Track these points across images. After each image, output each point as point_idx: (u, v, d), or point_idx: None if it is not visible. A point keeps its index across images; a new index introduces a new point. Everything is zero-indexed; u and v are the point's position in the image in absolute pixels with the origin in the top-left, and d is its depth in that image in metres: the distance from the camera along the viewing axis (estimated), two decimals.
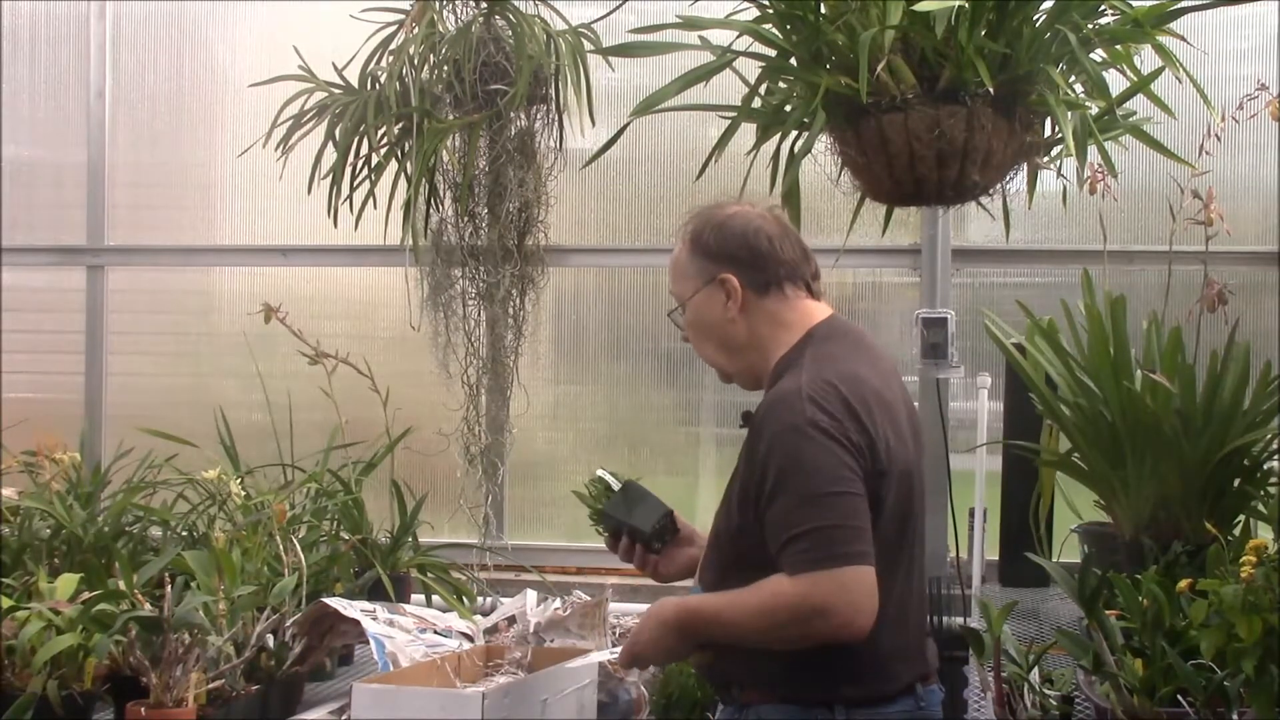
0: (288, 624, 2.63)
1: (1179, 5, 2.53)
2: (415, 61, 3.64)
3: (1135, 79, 2.61)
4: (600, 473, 2.43)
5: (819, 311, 2.23)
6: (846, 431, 2.03)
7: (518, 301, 3.81)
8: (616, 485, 2.39)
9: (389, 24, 3.75)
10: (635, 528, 2.33)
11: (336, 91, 3.72)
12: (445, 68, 3.64)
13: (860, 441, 2.04)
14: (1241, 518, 2.84)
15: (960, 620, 2.59)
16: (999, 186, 2.67)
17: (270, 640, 2.59)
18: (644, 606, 2.31)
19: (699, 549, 2.27)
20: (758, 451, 2.07)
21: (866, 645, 1.99)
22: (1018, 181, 2.71)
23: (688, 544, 2.36)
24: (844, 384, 2.09)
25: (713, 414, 4.11)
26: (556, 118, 3.76)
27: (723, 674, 2.17)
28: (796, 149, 2.60)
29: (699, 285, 2.24)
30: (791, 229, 2.29)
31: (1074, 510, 3.35)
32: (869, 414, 2.07)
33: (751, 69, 2.69)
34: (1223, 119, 3.14)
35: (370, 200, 3.69)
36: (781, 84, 2.70)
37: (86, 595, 2.57)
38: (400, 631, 2.69)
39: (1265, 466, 2.84)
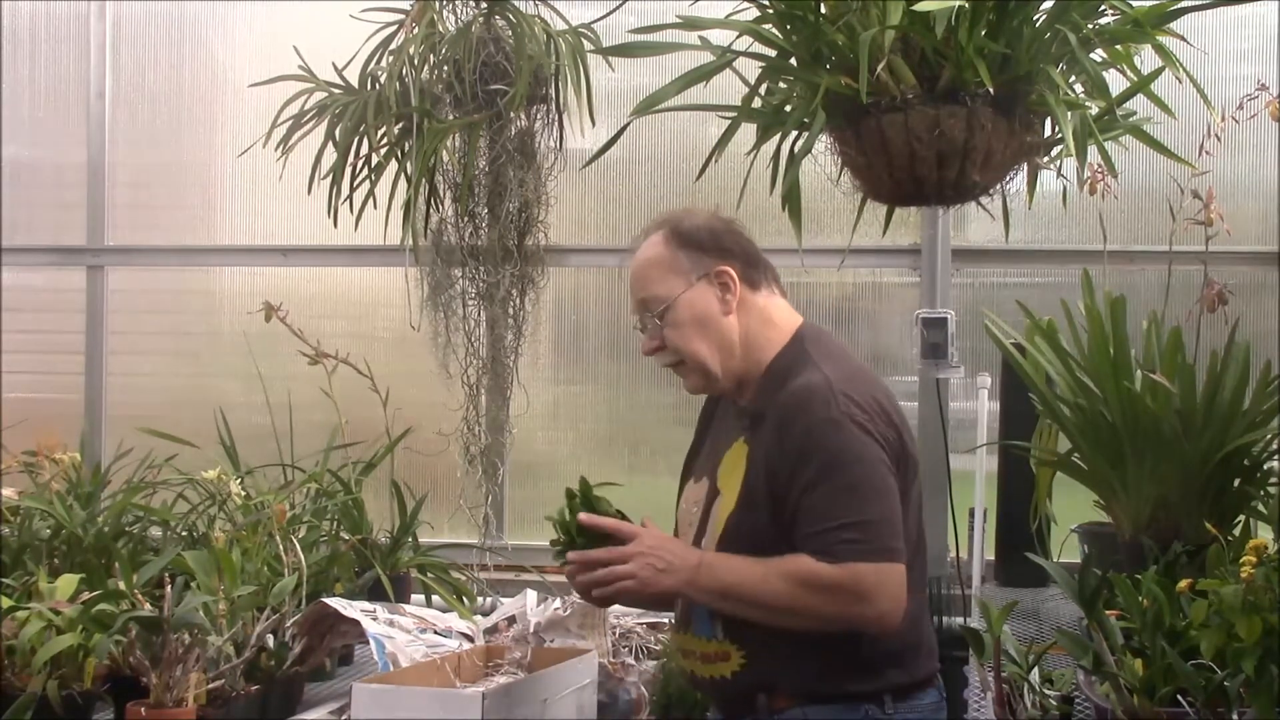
0: (288, 624, 2.64)
1: (1179, 5, 2.53)
2: (415, 61, 3.64)
3: (1135, 79, 2.61)
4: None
5: (795, 313, 2.25)
6: (879, 426, 2.06)
7: (518, 301, 3.81)
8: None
9: (389, 24, 3.75)
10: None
11: (336, 91, 3.72)
12: (445, 68, 3.64)
13: (889, 436, 2.08)
14: (1241, 518, 2.83)
15: (960, 620, 2.59)
16: (999, 186, 2.67)
17: (270, 640, 2.59)
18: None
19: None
20: (787, 444, 2.05)
21: (906, 636, 2.06)
22: (1018, 181, 2.71)
23: None
24: (864, 382, 2.12)
25: None
26: (556, 118, 3.76)
27: (746, 685, 2.11)
28: (796, 149, 2.60)
29: (691, 280, 2.18)
30: None
31: (1049, 516, 3.35)
32: (894, 409, 2.12)
33: (751, 69, 2.69)
34: (1223, 119, 3.14)
35: (370, 200, 3.69)
36: (781, 84, 2.70)
37: (86, 595, 2.57)
38: (400, 631, 2.69)
39: (1265, 466, 2.84)
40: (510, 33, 3.64)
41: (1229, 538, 2.43)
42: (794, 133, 2.64)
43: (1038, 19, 2.49)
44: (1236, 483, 2.84)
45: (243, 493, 3.07)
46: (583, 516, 2.10)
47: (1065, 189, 2.94)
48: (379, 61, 3.72)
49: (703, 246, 2.20)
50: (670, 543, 2.12)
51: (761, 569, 2.04)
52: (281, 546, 2.82)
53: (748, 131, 2.75)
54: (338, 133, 3.65)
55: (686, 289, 2.17)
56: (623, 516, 2.14)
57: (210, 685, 2.41)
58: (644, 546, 2.08)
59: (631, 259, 2.27)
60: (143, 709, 2.31)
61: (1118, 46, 2.57)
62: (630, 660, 2.75)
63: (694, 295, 2.18)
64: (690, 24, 2.67)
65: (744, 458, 2.14)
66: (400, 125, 3.64)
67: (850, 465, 2.03)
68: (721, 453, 2.23)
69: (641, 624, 2.89)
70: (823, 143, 2.63)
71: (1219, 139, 3.19)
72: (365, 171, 3.70)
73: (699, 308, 2.18)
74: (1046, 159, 2.68)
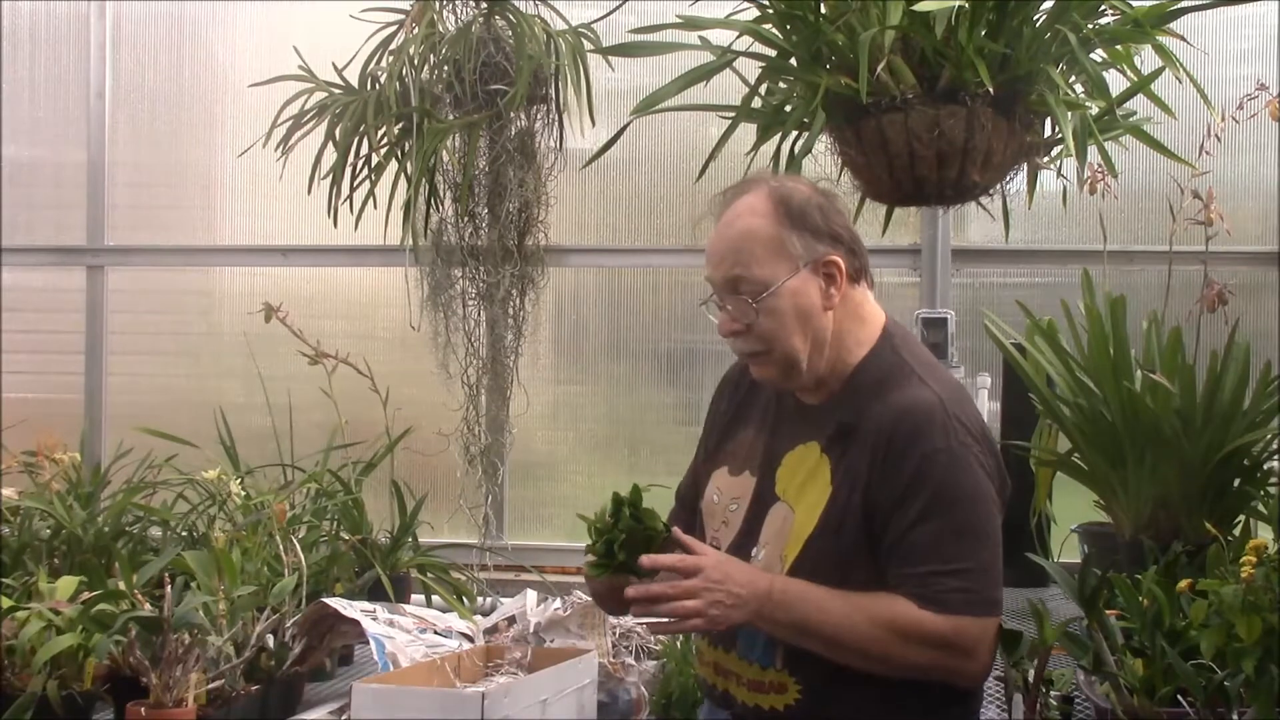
0: (288, 624, 2.63)
1: (1179, 5, 2.53)
2: (415, 61, 3.63)
3: (1135, 79, 2.62)
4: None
5: (879, 307, 2.07)
6: (987, 458, 1.94)
7: (518, 301, 3.81)
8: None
9: (389, 24, 3.75)
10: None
11: (336, 91, 3.72)
12: (445, 68, 3.64)
13: (993, 466, 1.96)
14: (1241, 518, 2.83)
15: None
16: (999, 186, 2.67)
17: (270, 640, 2.59)
18: None
19: None
20: (897, 471, 1.88)
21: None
22: (1018, 182, 2.72)
23: None
24: (967, 400, 2.00)
25: None
26: (556, 118, 3.76)
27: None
28: (796, 149, 2.60)
29: (798, 266, 1.95)
30: None
31: (1049, 516, 3.34)
32: (990, 434, 2.00)
33: (751, 69, 2.69)
34: (1223, 119, 3.14)
35: (370, 200, 3.69)
36: (781, 84, 2.70)
37: (86, 595, 2.57)
38: (400, 631, 2.69)
39: (1265, 466, 2.84)
40: (510, 33, 3.64)
41: (1229, 538, 2.43)
42: (794, 133, 2.64)
43: (1038, 19, 2.49)
44: (1236, 483, 2.84)
45: (243, 493, 3.06)
46: (645, 559, 1.89)
47: (1065, 189, 2.95)
48: (379, 61, 3.71)
49: (816, 230, 1.98)
50: (736, 571, 1.91)
51: (846, 606, 1.88)
52: (281, 546, 2.82)
53: (748, 131, 2.75)
54: (338, 133, 3.65)
55: (791, 275, 1.96)
56: (667, 529, 1.96)
57: (210, 685, 2.41)
58: (710, 581, 1.87)
59: (721, 222, 2.02)
60: (143, 709, 2.31)
61: (1118, 46, 2.57)
62: (630, 660, 2.74)
63: (799, 284, 1.96)
64: (690, 24, 2.68)
65: (826, 472, 1.97)
66: (400, 125, 3.64)
67: (964, 505, 1.89)
68: (779, 453, 2.05)
69: (642, 624, 2.89)
70: (823, 143, 2.64)
71: (1219, 139, 3.19)
72: (365, 171, 3.69)
73: (802, 299, 1.97)
74: (1046, 159, 2.68)
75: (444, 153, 3.65)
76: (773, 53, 2.65)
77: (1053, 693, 2.31)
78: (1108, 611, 2.09)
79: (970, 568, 1.87)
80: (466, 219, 3.76)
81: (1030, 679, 2.11)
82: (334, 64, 3.74)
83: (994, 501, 1.93)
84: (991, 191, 2.66)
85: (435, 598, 3.34)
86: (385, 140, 3.66)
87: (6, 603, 2.53)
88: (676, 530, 1.95)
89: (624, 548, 1.93)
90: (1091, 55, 2.53)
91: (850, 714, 1.93)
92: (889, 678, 1.89)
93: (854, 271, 2.00)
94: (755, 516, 2.03)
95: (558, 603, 2.88)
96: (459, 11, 3.72)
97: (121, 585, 2.53)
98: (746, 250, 1.97)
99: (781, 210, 1.97)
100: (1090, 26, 2.53)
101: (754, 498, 2.05)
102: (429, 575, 3.41)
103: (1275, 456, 2.84)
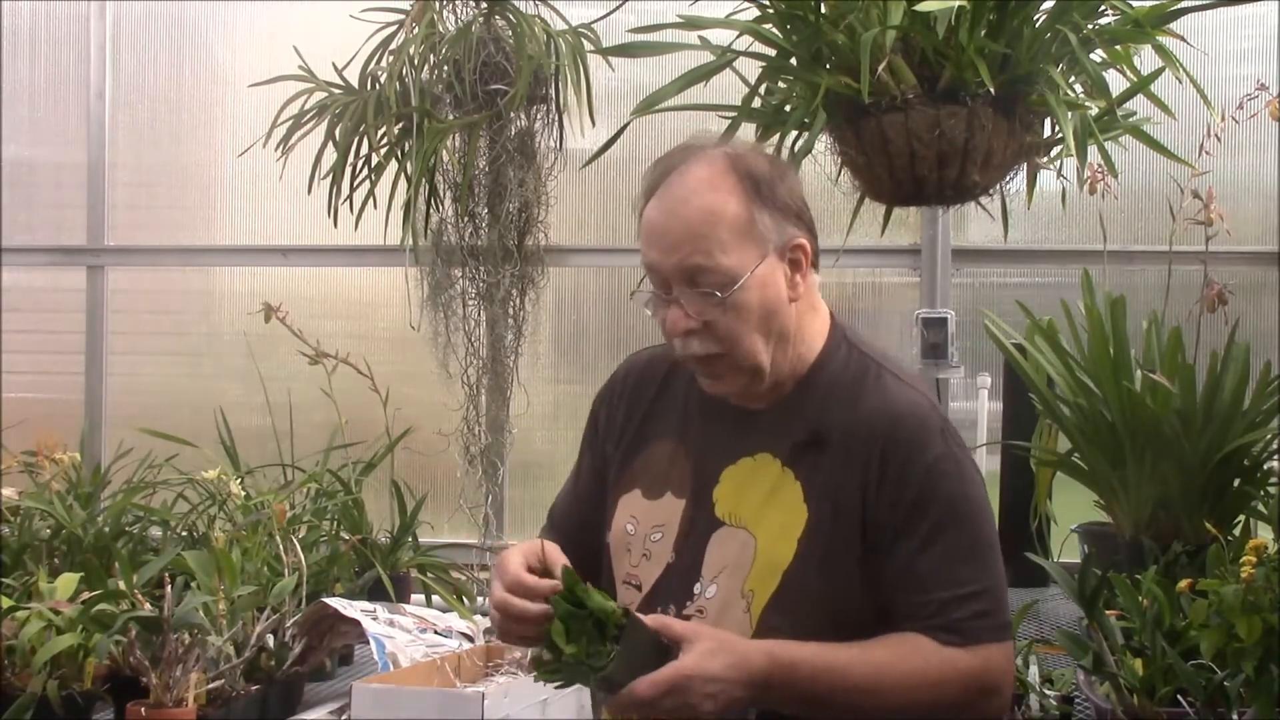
0: (288, 624, 2.63)
1: (1179, 5, 2.53)
2: (415, 61, 3.63)
3: (1135, 79, 2.62)
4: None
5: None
6: (973, 461, 1.75)
7: (518, 301, 3.80)
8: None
9: (389, 24, 3.75)
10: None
11: (336, 91, 3.72)
12: (445, 68, 3.64)
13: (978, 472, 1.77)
14: (1241, 518, 2.84)
15: None
16: (999, 186, 2.67)
17: (270, 640, 2.59)
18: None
19: None
20: (896, 486, 1.66)
21: None
22: (1017, 182, 2.71)
23: None
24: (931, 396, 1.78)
25: None
26: (556, 118, 3.76)
27: None
28: (796, 149, 2.60)
29: (766, 252, 1.67)
30: None
31: (1049, 516, 3.34)
32: None
33: (751, 69, 2.69)
34: (1223, 119, 3.14)
35: (370, 200, 3.69)
36: (781, 84, 2.70)
37: (86, 595, 2.56)
38: (400, 631, 2.69)
39: (1265, 466, 2.84)
40: (510, 33, 3.64)
41: (1229, 538, 2.43)
42: (794, 133, 2.64)
43: (1038, 19, 2.49)
44: (1236, 483, 2.84)
45: (243, 493, 3.06)
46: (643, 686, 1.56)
47: (1065, 189, 2.95)
48: (379, 61, 3.71)
49: (785, 208, 1.70)
50: (720, 652, 1.58)
51: (866, 664, 1.61)
52: (281, 546, 2.82)
53: (748, 131, 2.74)
54: (338, 133, 3.65)
55: (759, 263, 1.67)
56: (624, 612, 1.62)
57: (210, 685, 2.41)
58: (691, 683, 1.56)
59: (670, 198, 1.68)
60: (143, 709, 2.30)
61: (1118, 46, 2.57)
62: None
63: (767, 273, 1.68)
64: (690, 24, 2.67)
65: (794, 490, 1.71)
66: (400, 125, 3.64)
67: (973, 518, 1.69)
68: (714, 469, 1.77)
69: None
70: (823, 142, 2.63)
71: (1219, 139, 3.19)
72: (365, 171, 3.69)
73: (770, 291, 1.69)
74: (1046, 159, 2.68)
75: (444, 153, 3.65)
76: (773, 53, 2.64)
77: (1052, 693, 2.31)
78: (1108, 611, 2.09)
79: (987, 588, 1.67)
80: (466, 219, 3.76)
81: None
82: (334, 64, 3.74)
83: (990, 508, 1.75)
84: (991, 191, 2.66)
85: (435, 598, 3.34)
86: (385, 140, 3.66)
87: (6, 603, 2.53)
88: (634, 613, 1.61)
89: (571, 640, 1.60)
90: (1091, 55, 2.53)
91: None
92: None
93: (816, 255, 1.75)
94: (692, 546, 1.75)
95: None
96: (459, 11, 3.72)
97: (121, 585, 2.53)
98: (710, 234, 1.65)
99: (748, 184, 1.68)
100: (1090, 26, 2.53)
101: (685, 524, 1.76)
102: (429, 575, 3.41)
103: (1275, 456, 2.84)
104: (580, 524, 1.88)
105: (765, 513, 1.71)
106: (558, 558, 1.68)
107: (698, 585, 1.73)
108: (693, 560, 1.74)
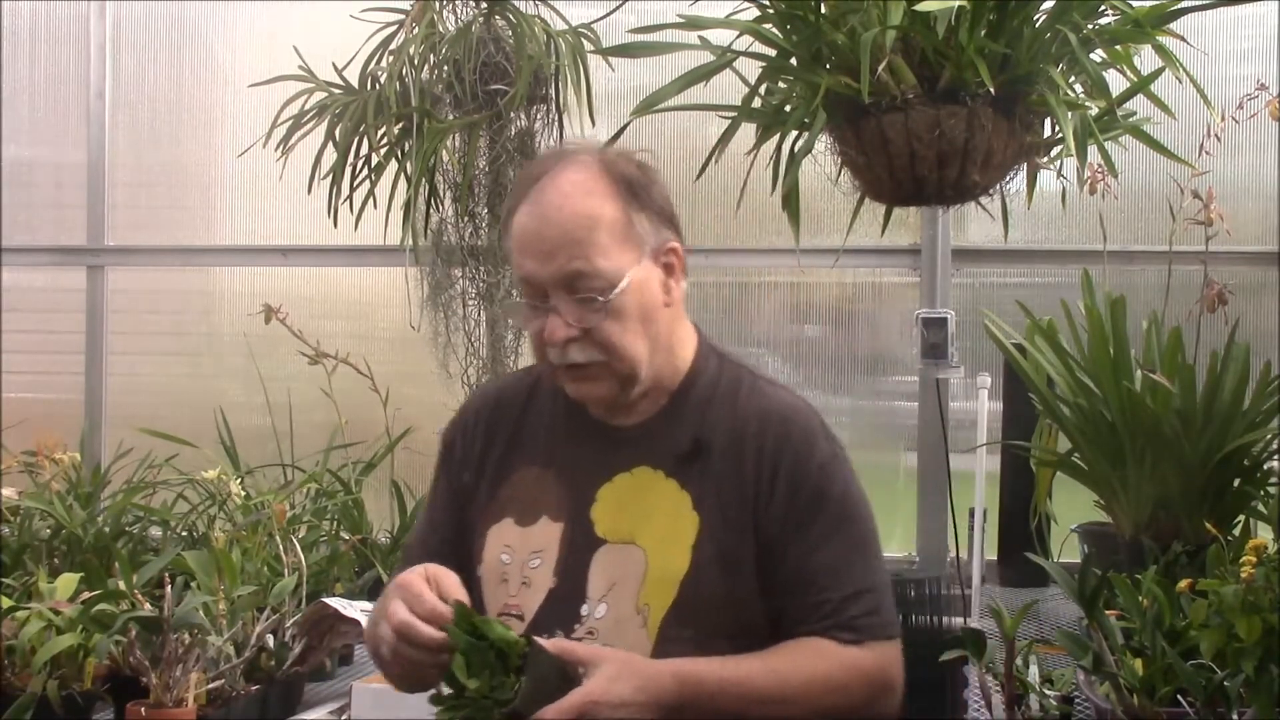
0: (288, 624, 2.63)
1: (1179, 5, 2.53)
2: (415, 61, 3.63)
3: (1135, 79, 2.61)
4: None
5: None
6: None
7: None
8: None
9: (389, 24, 3.75)
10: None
11: (336, 91, 3.72)
12: (445, 68, 3.64)
13: None
14: (1241, 518, 2.84)
15: (961, 620, 2.59)
16: (999, 186, 2.67)
17: (270, 640, 2.59)
18: None
19: None
20: (785, 486, 1.67)
21: None
22: (1017, 181, 2.71)
23: None
24: None
25: None
26: (556, 118, 3.75)
27: None
28: (796, 149, 2.60)
29: (642, 255, 1.68)
30: None
31: (1049, 516, 3.35)
32: None
33: (751, 69, 2.69)
34: (1223, 119, 3.14)
35: (370, 200, 3.69)
36: (781, 84, 2.70)
37: (86, 595, 2.57)
38: None
39: (1265, 466, 2.84)
40: (510, 33, 3.64)
41: (1229, 538, 2.43)
42: (794, 133, 2.64)
43: (1038, 19, 2.49)
44: (1236, 483, 2.84)
45: (243, 493, 3.07)
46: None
47: (1065, 189, 2.95)
48: (379, 61, 3.71)
49: (660, 211, 1.71)
50: (626, 675, 1.55)
51: (769, 674, 1.61)
52: (281, 546, 2.82)
53: (748, 131, 2.74)
54: (338, 133, 3.65)
55: (635, 266, 1.66)
56: (526, 640, 1.57)
57: (210, 685, 2.41)
58: (598, 709, 1.53)
59: (543, 205, 1.66)
60: (143, 709, 2.31)
61: (1118, 46, 2.57)
62: None
63: (644, 276, 1.67)
64: (690, 24, 2.67)
65: (681, 500, 1.70)
66: (400, 125, 3.64)
67: (861, 517, 1.71)
68: (591, 488, 1.74)
69: None
70: (823, 143, 2.63)
71: (1219, 139, 3.19)
72: (365, 171, 3.69)
73: (647, 295, 1.68)
74: (1046, 159, 2.68)
75: (444, 153, 3.65)
76: (773, 53, 2.64)
77: (1052, 693, 2.31)
78: (1108, 611, 2.09)
79: (875, 584, 1.69)
80: (466, 219, 3.76)
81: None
82: (334, 64, 3.74)
83: (873, 510, 1.74)
84: (991, 191, 2.66)
85: None
86: (385, 140, 3.65)
87: (6, 603, 2.53)
88: (536, 641, 1.56)
89: (473, 674, 1.54)
90: (1092, 55, 2.53)
91: None
92: None
93: (685, 261, 1.74)
94: (574, 569, 1.71)
95: None
96: (459, 11, 3.72)
97: (121, 585, 2.53)
98: (588, 239, 1.64)
99: (623, 186, 1.68)
100: (1090, 27, 2.52)
101: (565, 547, 1.72)
102: None
103: (1275, 456, 2.84)
104: (443, 561, 1.75)
105: (652, 526, 1.70)
106: (455, 586, 1.62)
107: (584, 607, 1.71)
108: (576, 583, 1.71)
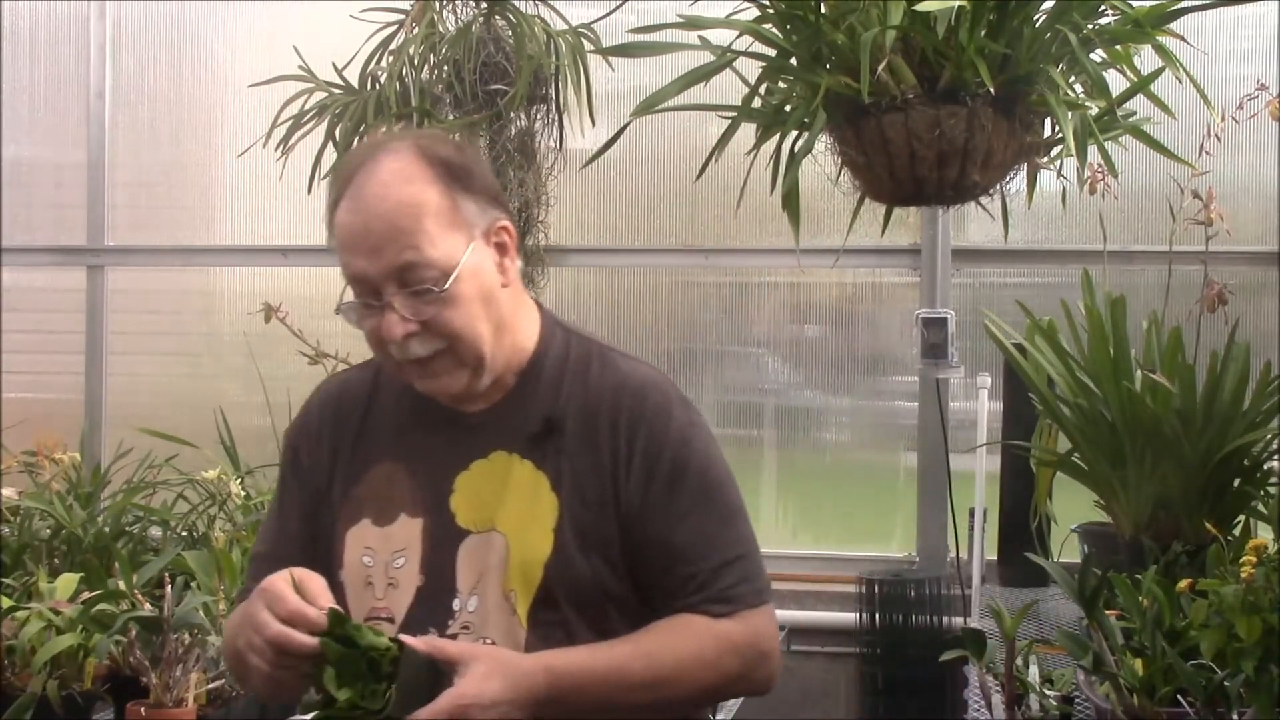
0: None
1: (1179, 5, 2.53)
2: (415, 61, 3.63)
3: (1135, 79, 2.61)
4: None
5: None
6: None
7: None
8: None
9: (389, 24, 3.75)
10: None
11: (336, 91, 3.72)
12: (445, 68, 3.64)
13: None
14: (1241, 518, 2.83)
15: (961, 620, 2.59)
16: (999, 186, 2.67)
17: None
18: None
19: None
20: (655, 454, 1.63)
21: None
22: (1017, 181, 2.71)
23: None
24: None
25: (711, 414, 4.11)
26: (556, 118, 3.76)
27: None
28: (796, 149, 2.60)
29: (473, 237, 1.63)
30: None
31: (1049, 516, 3.34)
32: None
33: (751, 69, 2.69)
34: (1223, 119, 3.14)
35: None
36: (781, 84, 2.70)
37: (86, 595, 2.57)
38: None
39: (1265, 466, 2.84)
40: (510, 33, 3.64)
41: (1229, 538, 2.43)
42: (794, 133, 2.64)
43: (1038, 19, 2.49)
44: (1236, 483, 2.84)
45: (243, 493, 3.07)
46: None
47: (1065, 189, 2.94)
48: (379, 61, 3.72)
49: (485, 190, 1.67)
50: (497, 674, 1.52)
51: (636, 653, 1.59)
52: None
53: (748, 131, 2.74)
54: (338, 133, 3.65)
55: (467, 250, 1.63)
56: (395, 641, 1.53)
57: (210, 685, 2.41)
58: (469, 710, 1.50)
59: (364, 198, 1.64)
60: (143, 709, 2.31)
61: (1118, 46, 2.57)
62: None
63: (477, 260, 1.64)
64: (690, 24, 2.67)
65: (539, 481, 1.66)
66: (400, 125, 3.64)
67: (726, 484, 1.68)
68: (446, 479, 1.70)
69: None
70: (823, 142, 2.63)
71: (1219, 139, 3.19)
72: None
73: (484, 278, 1.65)
74: (1046, 159, 2.68)
75: None
76: (773, 53, 2.64)
77: (1052, 693, 2.31)
78: (1108, 611, 2.09)
79: (746, 552, 1.67)
80: None
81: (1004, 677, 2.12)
82: (334, 64, 3.74)
83: (735, 477, 1.71)
84: (991, 191, 2.66)
85: None
86: None
87: (6, 603, 2.54)
88: (408, 640, 1.53)
89: (345, 684, 1.50)
90: (1092, 55, 2.53)
91: None
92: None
93: (517, 239, 1.72)
94: (440, 563, 1.67)
95: None
96: (459, 11, 3.72)
97: (121, 585, 2.53)
98: (415, 228, 1.60)
99: (443, 170, 1.63)
100: (1090, 26, 2.52)
101: (428, 542, 1.68)
102: None
103: (1275, 456, 2.84)
104: (308, 561, 1.69)
105: (512, 510, 1.66)
106: (322, 590, 1.56)
107: (455, 601, 1.67)
108: (443, 578, 1.67)
